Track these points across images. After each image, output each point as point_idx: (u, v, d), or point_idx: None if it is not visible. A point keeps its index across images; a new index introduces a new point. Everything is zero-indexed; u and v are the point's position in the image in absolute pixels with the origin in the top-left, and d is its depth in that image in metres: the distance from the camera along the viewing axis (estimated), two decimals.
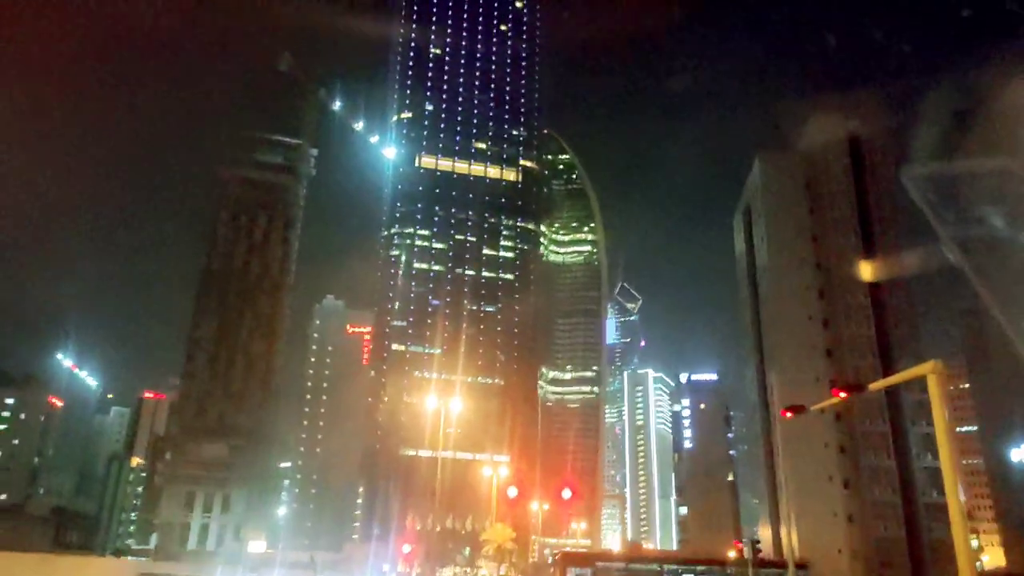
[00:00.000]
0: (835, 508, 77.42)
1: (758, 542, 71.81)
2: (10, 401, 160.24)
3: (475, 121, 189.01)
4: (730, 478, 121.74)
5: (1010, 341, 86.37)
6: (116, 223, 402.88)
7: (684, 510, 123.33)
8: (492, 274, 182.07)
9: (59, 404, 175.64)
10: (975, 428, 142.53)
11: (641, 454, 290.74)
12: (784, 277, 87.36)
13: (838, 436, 79.67)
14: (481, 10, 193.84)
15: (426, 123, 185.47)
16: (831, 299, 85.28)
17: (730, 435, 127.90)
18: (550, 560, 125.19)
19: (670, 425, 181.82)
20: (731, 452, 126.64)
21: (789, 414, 22.50)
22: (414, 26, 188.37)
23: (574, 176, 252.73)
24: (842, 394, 20.86)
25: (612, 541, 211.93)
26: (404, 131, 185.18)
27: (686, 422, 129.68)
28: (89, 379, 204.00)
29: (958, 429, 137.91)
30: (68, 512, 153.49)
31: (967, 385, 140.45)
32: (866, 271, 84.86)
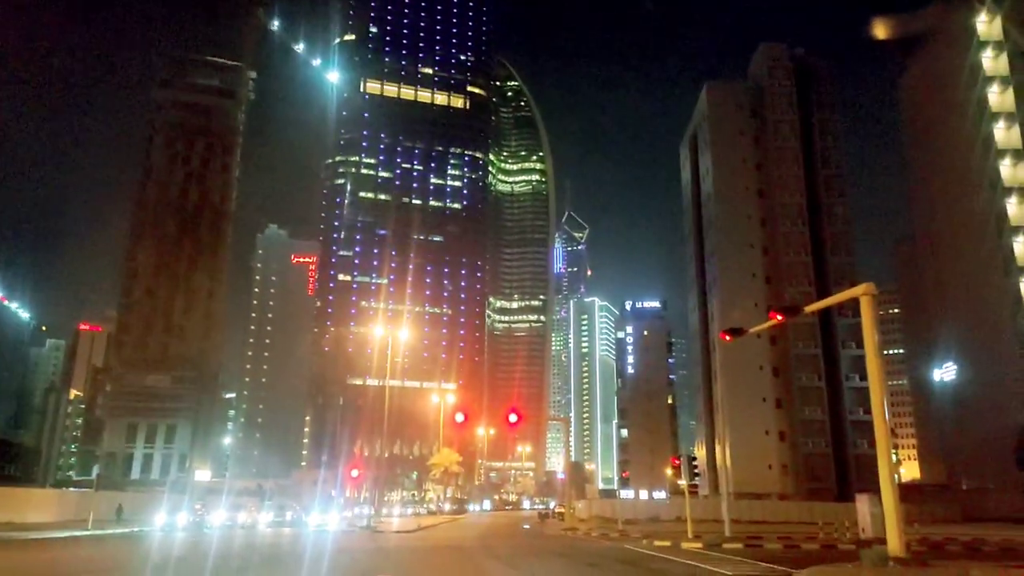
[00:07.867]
0: (767, 426, 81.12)
1: (694, 459, 75.21)
2: None
3: (421, 45, 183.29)
4: (669, 401, 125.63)
5: (940, 269, 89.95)
6: (43, 146, 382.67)
7: (625, 432, 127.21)
8: (439, 204, 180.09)
9: None
10: (902, 351, 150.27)
11: (585, 380, 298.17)
12: (727, 206, 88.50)
13: (773, 359, 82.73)
14: None
15: (371, 46, 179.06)
16: (772, 227, 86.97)
17: (671, 360, 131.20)
18: None
19: (614, 352, 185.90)
20: (671, 377, 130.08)
21: (728, 337, 23.06)
22: None
23: (523, 103, 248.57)
24: (778, 317, 21.18)
25: (556, 463, 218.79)
26: (348, 54, 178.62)
27: (630, 349, 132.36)
28: (20, 311, 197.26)
29: (886, 351, 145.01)
30: (7, 444, 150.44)
31: (897, 310, 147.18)
32: (804, 199, 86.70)
